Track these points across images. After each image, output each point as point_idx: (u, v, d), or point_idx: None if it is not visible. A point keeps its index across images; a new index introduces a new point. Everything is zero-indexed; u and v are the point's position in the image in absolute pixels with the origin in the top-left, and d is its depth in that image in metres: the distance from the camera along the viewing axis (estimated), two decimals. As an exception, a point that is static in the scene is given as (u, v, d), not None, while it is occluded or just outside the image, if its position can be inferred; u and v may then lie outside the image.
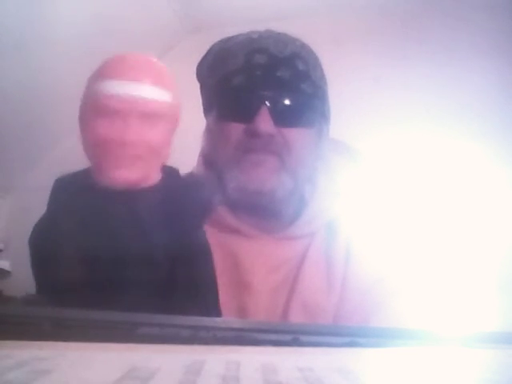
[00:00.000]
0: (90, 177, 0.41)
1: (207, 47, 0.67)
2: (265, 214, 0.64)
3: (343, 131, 0.71)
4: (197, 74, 0.68)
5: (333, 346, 0.32)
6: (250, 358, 0.27)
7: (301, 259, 0.63)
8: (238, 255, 0.62)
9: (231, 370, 0.23)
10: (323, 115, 0.65)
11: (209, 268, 0.45)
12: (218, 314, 0.44)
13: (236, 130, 0.60)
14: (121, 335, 0.31)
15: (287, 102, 0.60)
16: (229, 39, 0.65)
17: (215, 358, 0.26)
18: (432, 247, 0.72)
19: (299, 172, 0.63)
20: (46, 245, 0.41)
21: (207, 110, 0.66)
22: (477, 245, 1.39)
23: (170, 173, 0.43)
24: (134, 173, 0.41)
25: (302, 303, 0.61)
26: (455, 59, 1.66)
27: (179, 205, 0.43)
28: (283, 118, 0.60)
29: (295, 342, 0.32)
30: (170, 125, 0.42)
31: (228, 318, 0.43)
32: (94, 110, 0.40)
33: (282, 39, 0.63)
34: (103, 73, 0.41)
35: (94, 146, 0.41)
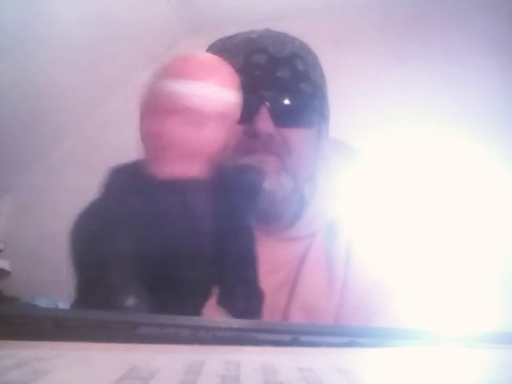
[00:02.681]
0: (142, 166, 0.41)
1: (207, 47, 0.67)
2: (264, 215, 0.64)
3: (343, 131, 0.71)
4: None
5: (333, 346, 0.32)
6: (250, 358, 0.27)
7: (301, 260, 0.63)
8: None
9: (231, 370, 0.23)
10: (322, 115, 0.65)
11: (255, 265, 0.45)
12: (260, 313, 0.44)
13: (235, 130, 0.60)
14: (121, 335, 0.31)
15: (287, 102, 0.60)
16: (227, 39, 0.65)
17: (215, 358, 0.26)
18: (432, 247, 0.72)
19: (299, 172, 0.63)
20: (95, 234, 0.40)
21: None
22: (477, 245, 1.39)
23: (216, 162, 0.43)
24: (187, 169, 0.41)
25: (302, 304, 0.61)
26: (455, 59, 1.66)
27: (229, 193, 0.43)
28: (283, 118, 0.59)
29: (295, 342, 0.32)
30: (230, 122, 0.42)
31: (228, 318, 0.42)
32: (155, 106, 0.40)
33: (281, 39, 0.63)
34: (168, 71, 0.41)
35: (150, 140, 0.41)
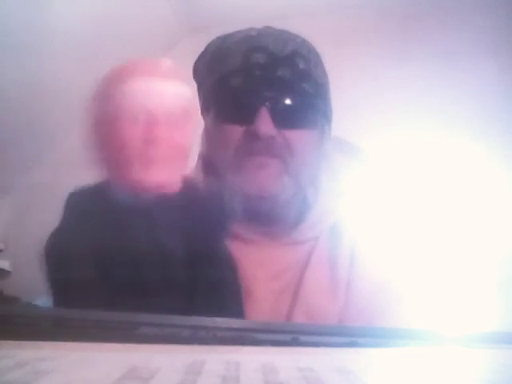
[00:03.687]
0: (105, 190, 0.40)
1: (205, 46, 0.66)
2: (267, 219, 0.63)
3: (345, 131, 0.71)
4: (194, 73, 0.66)
5: (333, 346, 0.32)
6: (250, 358, 0.27)
7: (305, 263, 0.62)
8: (239, 262, 0.60)
9: (231, 370, 0.23)
10: (325, 115, 0.63)
11: (228, 272, 0.46)
12: (242, 315, 0.44)
13: (235, 132, 0.58)
14: (121, 335, 0.31)
15: (288, 102, 0.58)
16: (226, 37, 0.63)
17: (215, 358, 0.26)
18: (433, 248, 0.71)
19: (302, 175, 0.61)
20: (63, 257, 0.41)
21: (205, 110, 0.64)
22: (477, 245, 1.39)
23: (188, 181, 0.43)
24: (163, 174, 0.40)
25: (306, 308, 0.59)
26: (455, 59, 1.66)
27: (198, 214, 0.43)
28: (284, 119, 0.58)
29: (295, 342, 0.32)
30: (193, 124, 0.41)
31: (228, 318, 0.42)
32: (116, 114, 0.39)
33: (281, 37, 0.61)
34: (118, 77, 0.40)
35: (118, 151, 0.40)
